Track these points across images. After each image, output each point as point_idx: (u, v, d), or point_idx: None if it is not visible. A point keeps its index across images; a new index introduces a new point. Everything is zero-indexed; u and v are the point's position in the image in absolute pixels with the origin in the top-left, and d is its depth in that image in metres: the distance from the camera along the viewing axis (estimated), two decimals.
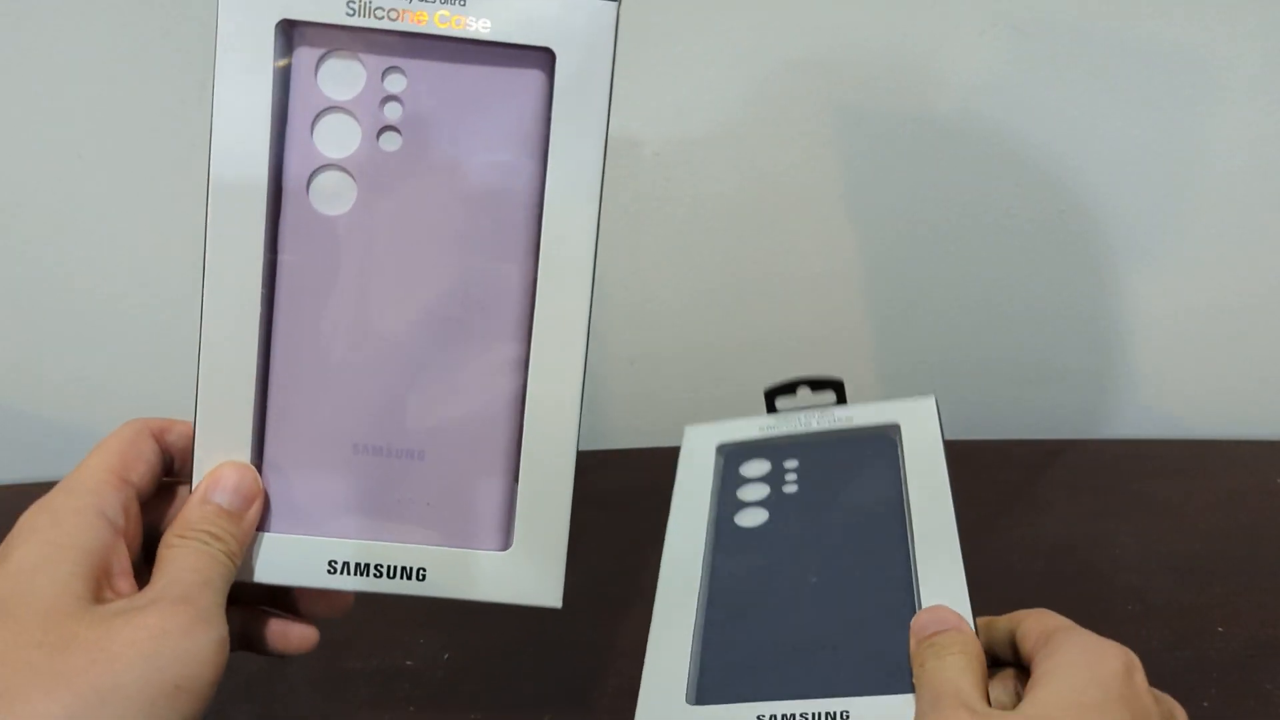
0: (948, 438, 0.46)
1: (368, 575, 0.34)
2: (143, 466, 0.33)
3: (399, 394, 0.34)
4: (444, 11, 0.31)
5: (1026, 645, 0.35)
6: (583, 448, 0.34)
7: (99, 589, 0.29)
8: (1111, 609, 0.49)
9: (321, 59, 0.31)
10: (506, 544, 0.34)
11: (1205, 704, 0.43)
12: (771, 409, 0.52)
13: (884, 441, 0.47)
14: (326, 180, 0.32)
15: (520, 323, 0.33)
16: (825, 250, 0.62)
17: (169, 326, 0.64)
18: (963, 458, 0.44)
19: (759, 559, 0.44)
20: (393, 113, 0.32)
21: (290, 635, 0.35)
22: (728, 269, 0.64)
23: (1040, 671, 0.33)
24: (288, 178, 0.32)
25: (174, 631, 0.29)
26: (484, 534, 0.35)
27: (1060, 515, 0.56)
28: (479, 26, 0.31)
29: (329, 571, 0.34)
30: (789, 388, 0.51)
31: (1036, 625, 0.35)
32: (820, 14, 0.56)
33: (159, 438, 0.34)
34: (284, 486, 0.34)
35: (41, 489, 0.32)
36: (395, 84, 0.32)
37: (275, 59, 0.31)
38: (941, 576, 0.39)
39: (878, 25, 0.56)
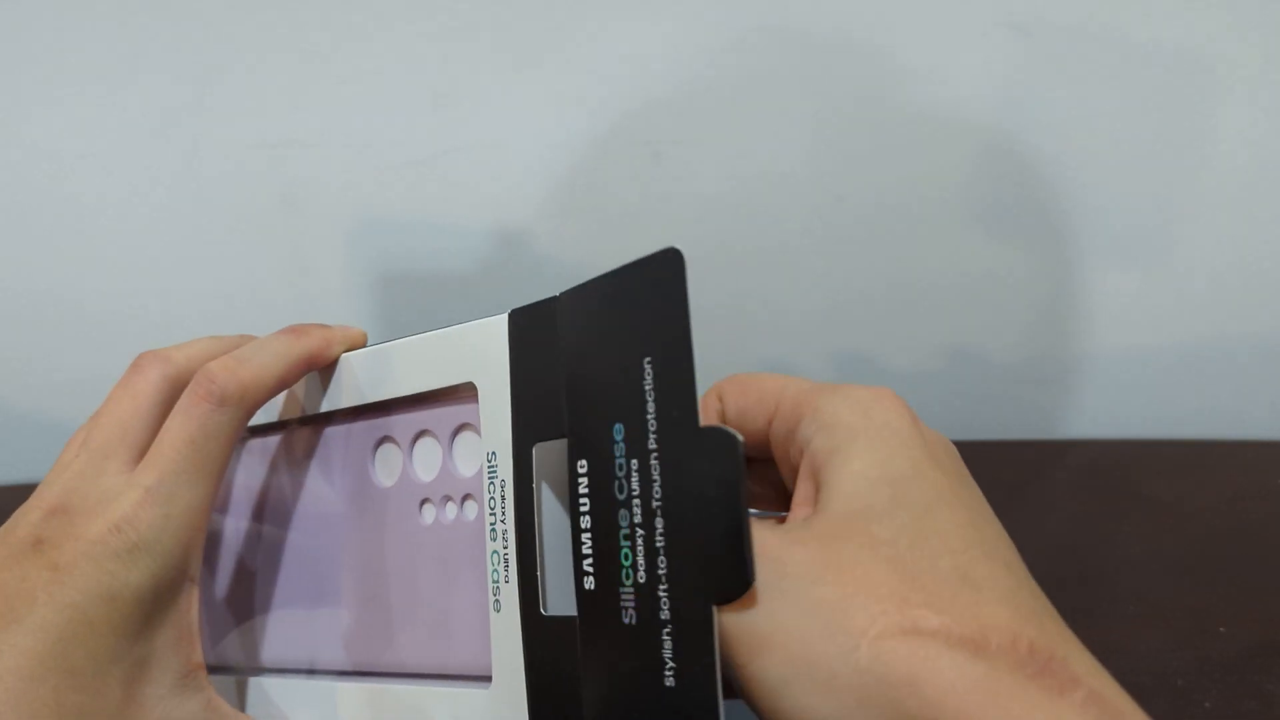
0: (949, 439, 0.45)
1: None
2: None
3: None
4: None
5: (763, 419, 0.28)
6: None
7: None
8: (1112, 610, 0.49)
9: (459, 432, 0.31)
10: None
11: (1207, 704, 0.42)
12: None
13: None
14: (390, 453, 0.33)
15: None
16: (823, 250, 0.62)
17: (169, 326, 0.64)
18: (963, 458, 0.44)
19: None
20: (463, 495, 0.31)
21: None
22: (727, 269, 0.64)
23: (820, 458, 0.26)
24: (352, 437, 0.33)
25: None
26: None
27: (1060, 515, 0.56)
28: None
29: None
30: None
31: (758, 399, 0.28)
32: (820, 15, 0.56)
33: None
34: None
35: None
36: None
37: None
38: None
39: (878, 25, 0.56)
